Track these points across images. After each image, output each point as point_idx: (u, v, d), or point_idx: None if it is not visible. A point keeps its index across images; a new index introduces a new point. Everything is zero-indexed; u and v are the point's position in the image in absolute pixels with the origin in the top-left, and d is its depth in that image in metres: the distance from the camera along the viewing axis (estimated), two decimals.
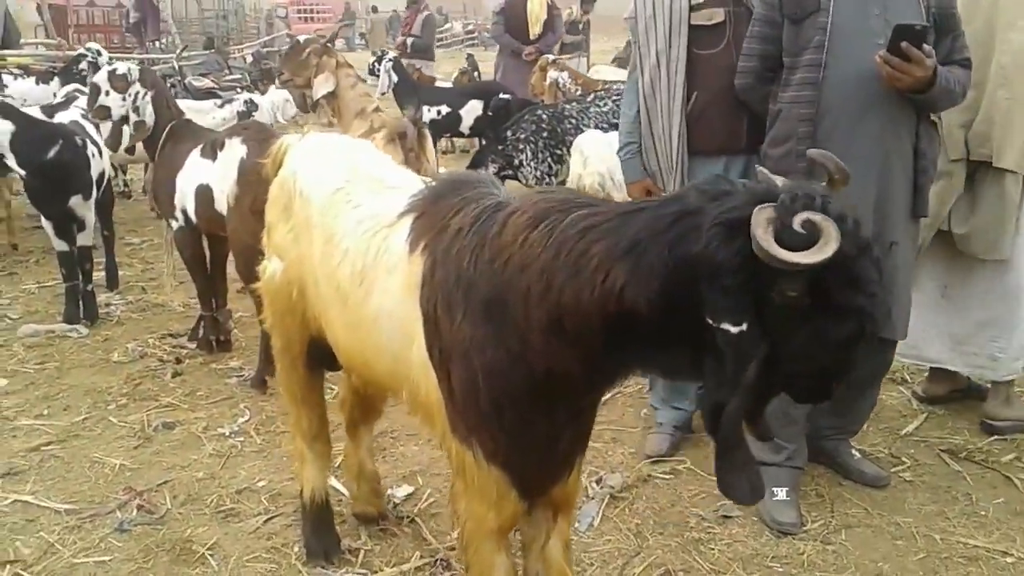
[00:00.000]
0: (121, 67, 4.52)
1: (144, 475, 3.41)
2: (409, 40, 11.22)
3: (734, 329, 1.45)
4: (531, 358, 1.74)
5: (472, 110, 8.60)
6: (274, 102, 8.49)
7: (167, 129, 4.45)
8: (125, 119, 4.48)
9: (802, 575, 2.76)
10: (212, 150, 4.12)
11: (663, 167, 3.26)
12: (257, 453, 3.58)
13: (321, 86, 4.99)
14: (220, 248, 4.62)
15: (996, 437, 3.60)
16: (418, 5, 11.24)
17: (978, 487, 3.26)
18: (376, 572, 2.78)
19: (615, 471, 3.38)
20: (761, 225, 1.40)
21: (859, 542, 2.94)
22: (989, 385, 3.79)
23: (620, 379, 1.82)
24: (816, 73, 2.78)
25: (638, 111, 3.29)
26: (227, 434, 3.72)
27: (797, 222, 1.41)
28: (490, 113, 6.88)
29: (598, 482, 3.28)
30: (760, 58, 3.00)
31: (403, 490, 3.24)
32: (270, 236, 2.59)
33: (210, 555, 2.89)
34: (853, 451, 3.39)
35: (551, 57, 7.62)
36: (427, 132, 4.50)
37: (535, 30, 9.21)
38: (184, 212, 4.34)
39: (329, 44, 5.13)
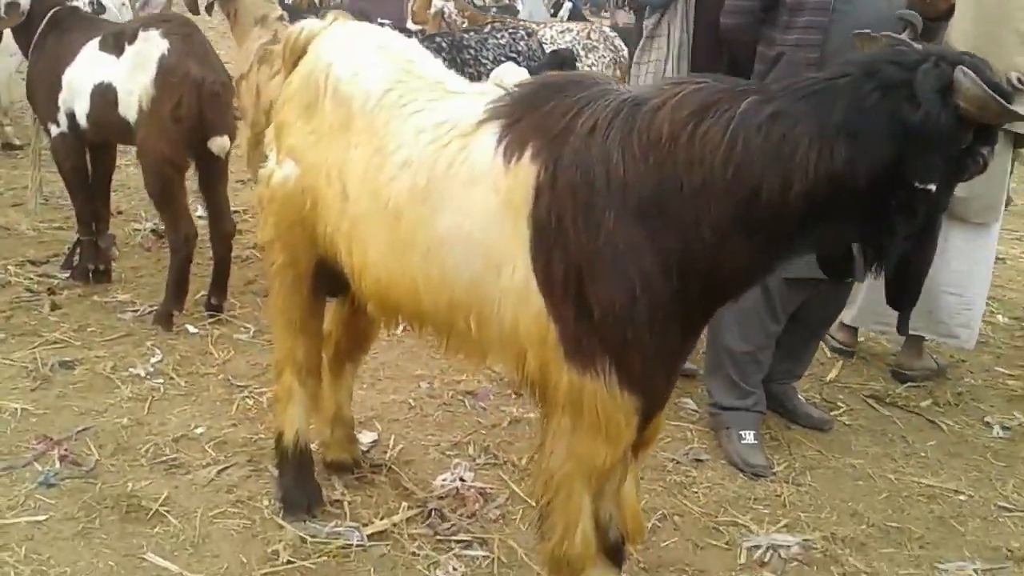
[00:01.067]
0: None
1: (54, 422, 2.95)
2: None
3: (933, 187, 1.55)
4: (696, 258, 1.67)
5: None
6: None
7: (48, 16, 3.79)
8: None
9: (787, 515, 2.82)
10: (117, 44, 3.55)
11: None
12: (184, 397, 3.19)
13: None
14: (105, 161, 4.07)
15: (910, 384, 3.84)
16: None
17: (908, 430, 3.47)
18: (366, 524, 2.56)
19: None
20: (983, 86, 1.48)
21: (825, 483, 3.04)
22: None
23: (777, 269, 1.82)
24: (824, 17, 2.77)
25: None
26: (143, 375, 3.29)
27: (1014, 78, 1.67)
28: None
29: None
30: None
31: (367, 437, 2.99)
32: (282, 136, 2.26)
33: (166, 511, 2.54)
34: (799, 395, 3.51)
35: None
36: None
37: None
38: (71, 115, 3.74)
39: None
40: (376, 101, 2.03)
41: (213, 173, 3.73)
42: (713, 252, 1.65)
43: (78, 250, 4.10)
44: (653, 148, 1.64)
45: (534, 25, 6.41)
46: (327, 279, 2.32)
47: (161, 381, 3.27)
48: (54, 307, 3.81)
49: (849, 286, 3.29)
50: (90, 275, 4.07)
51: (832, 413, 3.54)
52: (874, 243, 1.65)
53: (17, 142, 6.22)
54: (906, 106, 1.51)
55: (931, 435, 3.45)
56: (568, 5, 12.26)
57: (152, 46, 3.46)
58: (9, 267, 4.17)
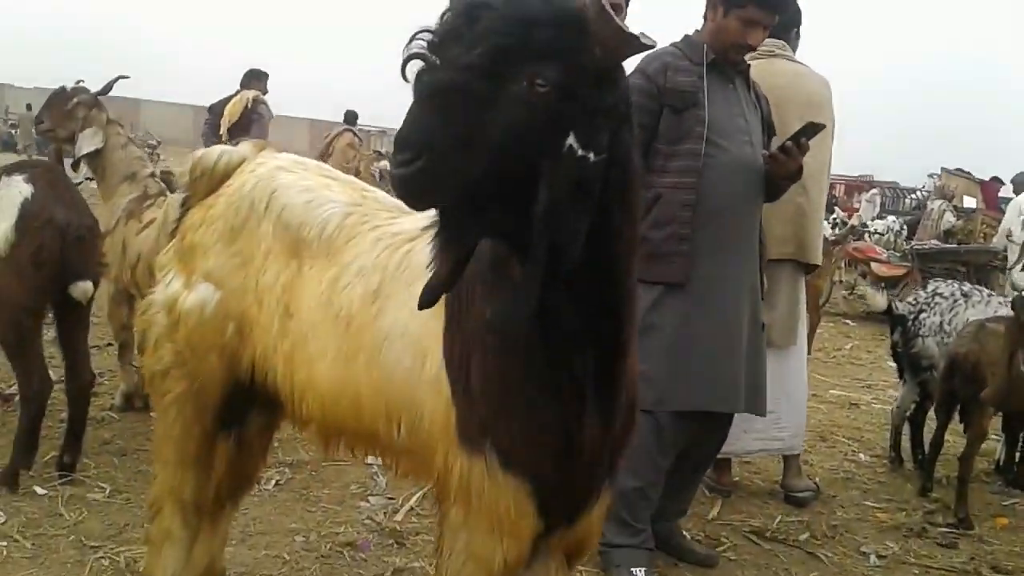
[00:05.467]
0: None
1: None
2: None
3: None
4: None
5: None
6: None
7: None
8: None
9: None
10: None
11: None
12: (31, 560, 2.89)
13: (87, 142, 4.37)
14: None
15: (791, 517, 3.92)
16: None
17: (791, 562, 3.50)
18: None
19: None
20: None
21: None
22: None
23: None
24: (697, 161, 2.94)
25: None
26: None
27: None
28: None
29: None
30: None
31: None
32: (194, 259, 2.17)
33: None
34: (684, 533, 3.50)
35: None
36: None
37: None
38: None
39: (100, 96, 4.54)
40: (336, 224, 2.05)
41: (73, 321, 3.52)
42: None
43: None
44: None
45: None
46: (235, 408, 2.22)
47: (5, 544, 2.95)
48: None
49: (729, 424, 3.36)
50: None
51: (716, 549, 3.54)
52: None
53: None
54: None
55: (813, 566, 3.48)
56: None
57: (15, 191, 3.33)
58: None
